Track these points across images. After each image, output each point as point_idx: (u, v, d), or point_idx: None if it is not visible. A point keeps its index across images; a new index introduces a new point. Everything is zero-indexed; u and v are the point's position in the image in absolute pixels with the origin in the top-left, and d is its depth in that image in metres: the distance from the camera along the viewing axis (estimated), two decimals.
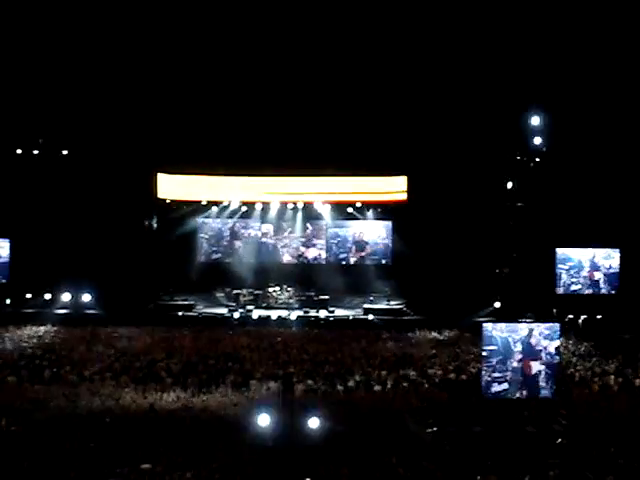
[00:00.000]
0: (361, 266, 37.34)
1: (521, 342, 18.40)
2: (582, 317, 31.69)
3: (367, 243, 37.69)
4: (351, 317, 33.65)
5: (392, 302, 35.17)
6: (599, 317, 31.62)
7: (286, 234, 38.03)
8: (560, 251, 31.82)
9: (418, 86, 33.20)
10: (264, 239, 38.02)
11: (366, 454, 16.82)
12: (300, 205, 37.09)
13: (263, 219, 37.73)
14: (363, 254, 37.65)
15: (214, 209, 37.37)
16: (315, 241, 37.98)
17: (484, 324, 18.88)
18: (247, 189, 36.55)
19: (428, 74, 33.19)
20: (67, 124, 34.13)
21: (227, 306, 35.08)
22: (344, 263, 37.60)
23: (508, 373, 18.33)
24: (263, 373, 23.85)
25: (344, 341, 28.95)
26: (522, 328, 18.61)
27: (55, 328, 30.82)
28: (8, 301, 34.08)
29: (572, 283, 31.61)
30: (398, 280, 35.93)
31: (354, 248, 37.79)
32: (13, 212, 34.61)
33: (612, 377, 23.72)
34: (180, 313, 34.06)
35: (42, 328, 30.75)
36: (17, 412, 19.64)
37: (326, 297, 35.17)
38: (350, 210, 37.09)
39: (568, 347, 27.58)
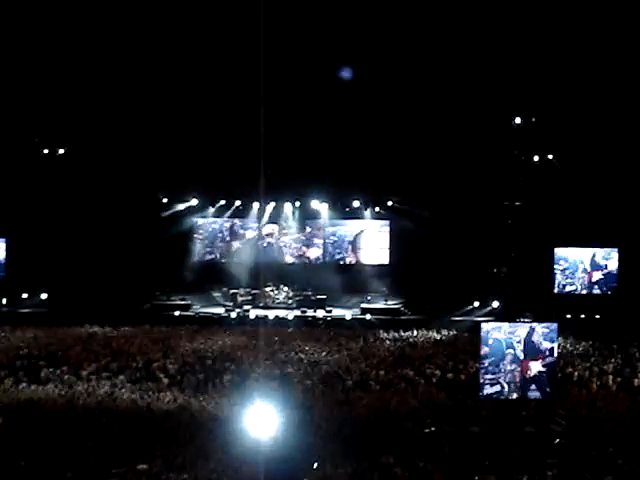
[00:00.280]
0: (358, 265, 37.30)
1: (519, 342, 18.34)
2: (580, 317, 31.67)
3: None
4: (349, 317, 33.58)
5: (390, 302, 35.14)
6: (597, 317, 31.60)
7: (283, 233, 37.99)
8: (558, 251, 31.79)
9: (416, 86, 33.18)
10: (261, 238, 37.99)
11: (363, 454, 16.77)
12: (298, 204, 37.06)
13: (261, 218, 37.69)
14: (360, 253, 37.62)
15: (211, 209, 37.31)
16: (314, 240, 37.95)
17: (482, 324, 18.83)
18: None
19: (426, 73, 33.17)
20: (63, 123, 34.04)
21: (224, 306, 35.04)
22: (341, 262, 37.57)
23: (501, 375, 18.25)
24: (260, 373, 23.79)
25: (341, 341, 28.90)
26: (521, 328, 18.55)
27: (51, 328, 30.71)
28: (4, 301, 34.01)
29: (570, 283, 31.58)
30: (396, 279, 35.89)
31: (350, 248, 37.78)
32: (9, 211, 34.53)
33: (610, 377, 23.69)
34: (177, 313, 34.00)
35: (38, 328, 30.65)
36: (13, 412, 19.59)
37: (323, 297, 35.15)
38: (348, 209, 37.05)
39: (566, 347, 27.55)
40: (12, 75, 32.85)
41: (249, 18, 29.36)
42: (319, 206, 36.97)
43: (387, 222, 37.46)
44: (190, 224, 37.54)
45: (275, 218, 37.74)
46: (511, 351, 18.30)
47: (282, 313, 34.09)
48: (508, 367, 18.20)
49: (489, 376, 18.24)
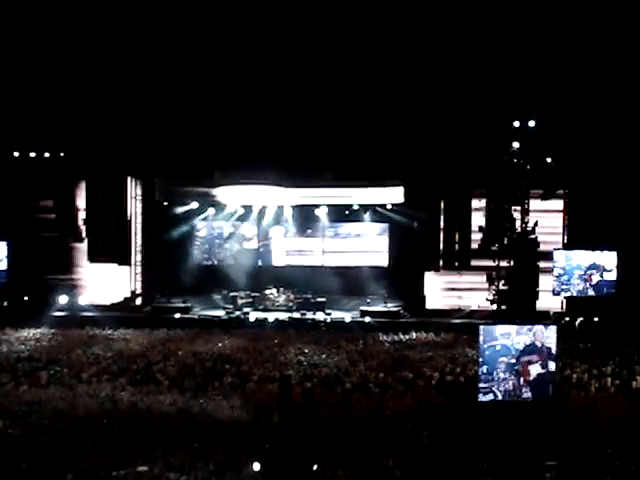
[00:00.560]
0: (358, 268, 37.33)
1: (517, 346, 18.40)
2: (579, 319, 31.71)
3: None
4: (348, 319, 33.64)
5: (389, 304, 35.18)
6: (596, 319, 31.63)
7: (283, 236, 38.06)
8: (558, 253, 31.84)
9: (414, 93, 33.29)
10: (261, 241, 38.06)
11: (363, 456, 16.84)
12: (298, 208, 37.08)
13: (261, 221, 37.76)
14: (359, 256, 37.68)
15: (211, 211, 37.36)
16: (313, 243, 38.01)
17: (481, 326, 18.89)
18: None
19: (423, 80, 33.28)
20: (63, 127, 34.07)
21: (224, 308, 35.07)
22: (341, 265, 37.59)
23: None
24: (260, 375, 23.87)
25: (341, 343, 28.96)
26: (520, 330, 18.61)
27: (52, 330, 30.79)
28: (5, 303, 34.07)
29: (569, 285, 31.62)
30: (395, 282, 35.94)
31: (349, 250, 37.82)
32: (11, 214, 34.63)
33: (609, 379, 23.77)
34: (177, 315, 34.03)
35: (39, 330, 30.73)
36: (15, 414, 19.67)
37: (323, 299, 35.18)
38: (347, 212, 37.09)
39: (565, 349, 27.58)
40: (12, 80, 33.03)
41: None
42: (318, 209, 37.00)
43: (386, 225, 37.50)
44: (190, 227, 37.56)
45: (275, 221, 37.76)
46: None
47: (282, 316, 34.12)
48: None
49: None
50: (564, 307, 32.98)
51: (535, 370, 18.53)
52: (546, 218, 31.51)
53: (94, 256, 34.99)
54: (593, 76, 32.53)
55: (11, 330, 30.63)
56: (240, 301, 35.39)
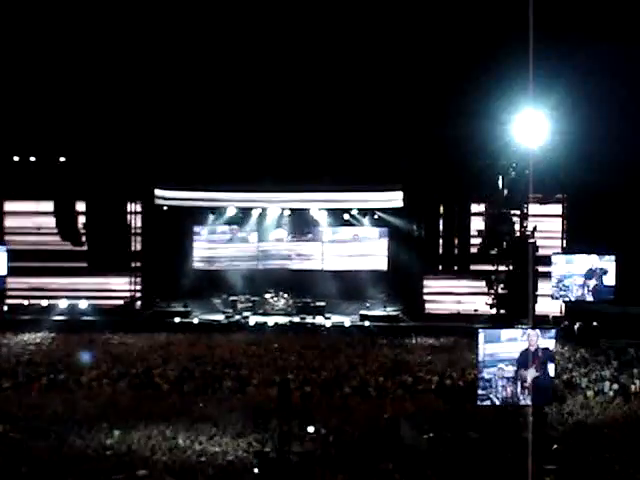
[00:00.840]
0: (357, 272, 37.36)
1: (517, 349, 18.42)
2: (578, 324, 31.75)
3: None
4: (348, 323, 33.69)
5: (388, 308, 35.23)
6: (595, 324, 31.68)
7: (282, 240, 38.10)
8: (557, 257, 31.87)
9: (413, 98, 33.37)
10: (261, 245, 38.09)
11: (362, 460, 16.88)
12: (297, 212, 37.14)
13: (260, 225, 37.80)
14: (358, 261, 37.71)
15: (211, 216, 37.42)
16: (313, 247, 38.04)
17: (480, 330, 18.92)
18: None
19: (422, 84, 33.35)
20: (64, 131, 34.12)
21: (224, 312, 35.12)
22: (340, 270, 37.61)
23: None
24: (260, 379, 23.90)
25: (340, 347, 29.00)
26: (518, 334, 18.63)
27: (52, 335, 30.82)
28: (5, 308, 34.11)
29: (568, 290, 31.63)
30: (394, 286, 35.99)
31: (348, 255, 37.85)
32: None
33: (607, 383, 23.81)
34: (177, 320, 34.07)
35: (39, 335, 30.76)
36: (15, 418, 19.70)
37: (323, 304, 35.23)
38: (346, 217, 37.15)
39: (564, 353, 27.66)
40: (12, 83, 33.08)
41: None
42: (317, 213, 37.06)
43: (385, 229, 37.53)
44: (190, 231, 37.59)
45: (274, 225, 37.79)
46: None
47: (282, 320, 34.16)
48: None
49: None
50: (563, 311, 33.03)
51: (534, 375, 18.54)
52: (545, 223, 31.58)
53: (94, 261, 35.08)
54: (592, 78, 32.58)
55: (11, 334, 30.65)
56: (240, 305, 35.45)
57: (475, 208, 34.05)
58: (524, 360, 18.46)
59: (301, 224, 37.78)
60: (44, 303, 34.13)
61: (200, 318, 34.69)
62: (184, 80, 33.57)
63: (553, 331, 19.10)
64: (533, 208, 30.53)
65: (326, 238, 37.99)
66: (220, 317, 34.69)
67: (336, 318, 34.47)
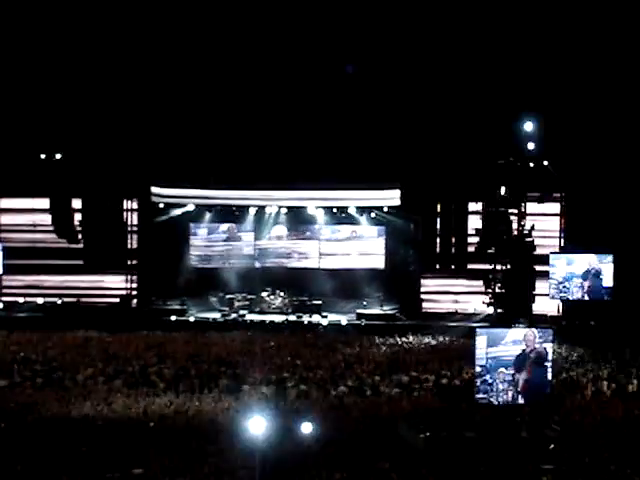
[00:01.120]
0: (354, 271, 37.28)
1: (514, 348, 18.37)
2: (575, 323, 31.72)
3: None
4: (344, 322, 33.62)
5: (385, 307, 35.16)
6: (592, 323, 31.64)
7: (279, 238, 38.01)
8: (554, 256, 31.82)
9: (411, 96, 33.32)
10: (258, 244, 38.00)
11: (359, 460, 16.82)
12: (294, 210, 37.04)
13: (257, 223, 37.69)
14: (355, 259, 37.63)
15: (207, 214, 37.31)
16: (309, 246, 37.97)
17: (477, 330, 18.88)
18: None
19: (420, 83, 33.31)
20: (60, 128, 34.03)
21: (220, 311, 35.04)
22: (337, 268, 37.53)
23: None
24: (256, 378, 23.83)
25: (337, 346, 28.92)
26: (516, 333, 18.59)
27: (48, 332, 30.68)
28: (0, 305, 34.04)
29: (566, 289, 31.59)
30: (391, 285, 35.92)
31: (345, 253, 37.77)
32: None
33: (605, 383, 23.77)
34: (173, 318, 33.98)
35: (35, 333, 30.63)
36: (10, 416, 19.62)
37: (319, 302, 35.16)
38: (344, 215, 37.06)
39: (561, 353, 27.60)
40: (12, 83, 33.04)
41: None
42: (315, 211, 36.97)
43: (383, 227, 37.45)
44: (186, 229, 37.50)
45: (271, 223, 37.71)
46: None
47: (278, 318, 34.09)
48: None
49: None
50: (561, 311, 32.97)
51: (531, 374, 18.50)
52: (543, 221, 31.52)
53: (90, 258, 35.01)
54: (590, 79, 32.56)
55: (6, 332, 30.54)
56: (236, 303, 35.36)
57: (473, 207, 34.02)
58: (522, 359, 18.44)
59: (298, 222, 37.67)
60: (39, 301, 34.02)
61: (196, 316, 34.60)
62: (181, 77, 33.53)
63: (550, 330, 19.10)
64: (531, 207, 30.64)
65: (323, 236, 37.90)
66: (216, 315, 34.60)
67: (333, 316, 34.39)
